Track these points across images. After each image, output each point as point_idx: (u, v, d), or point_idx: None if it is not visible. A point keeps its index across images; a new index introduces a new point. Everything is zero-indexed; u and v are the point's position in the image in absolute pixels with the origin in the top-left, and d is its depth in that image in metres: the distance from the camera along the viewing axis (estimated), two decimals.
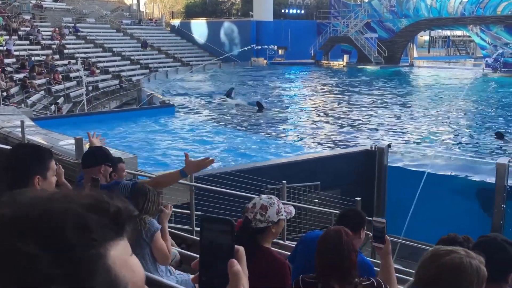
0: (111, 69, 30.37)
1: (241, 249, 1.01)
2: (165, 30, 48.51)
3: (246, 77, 35.43)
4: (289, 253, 5.96)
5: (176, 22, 50.16)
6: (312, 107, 23.29)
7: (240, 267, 0.97)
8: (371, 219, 2.87)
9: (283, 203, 2.97)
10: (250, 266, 2.71)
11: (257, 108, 21.60)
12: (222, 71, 39.55)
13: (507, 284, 2.21)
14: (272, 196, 2.91)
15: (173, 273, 3.72)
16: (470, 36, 39.98)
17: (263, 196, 2.89)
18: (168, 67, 37.12)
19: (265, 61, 43.35)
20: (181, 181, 8.04)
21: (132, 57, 34.97)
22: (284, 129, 18.52)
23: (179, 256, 4.39)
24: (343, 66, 41.20)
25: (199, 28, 47.06)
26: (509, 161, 8.62)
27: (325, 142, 16.44)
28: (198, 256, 1.01)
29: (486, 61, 34.93)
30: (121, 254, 0.69)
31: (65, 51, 29.54)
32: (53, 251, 0.62)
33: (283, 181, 8.58)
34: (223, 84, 31.79)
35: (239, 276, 0.97)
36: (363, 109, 22.36)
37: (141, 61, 35.25)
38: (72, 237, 0.64)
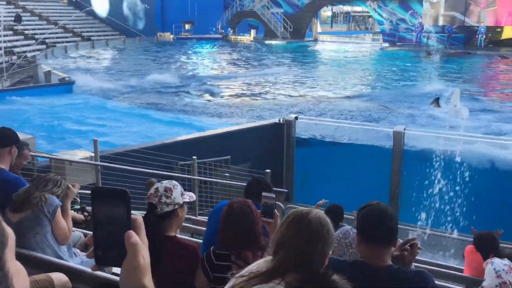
0: (2, 45, 27.90)
1: (139, 218, 0.96)
2: (62, 2, 45.41)
3: (153, 53, 34.42)
4: (201, 228, 5.96)
5: None
6: (220, 82, 23.23)
7: (138, 238, 0.93)
8: (263, 194, 2.93)
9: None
10: (161, 259, 2.67)
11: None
12: (126, 46, 38.05)
13: (394, 248, 2.34)
14: (172, 180, 2.90)
15: (78, 255, 3.59)
16: (369, 12, 41.91)
17: (163, 181, 2.85)
18: (67, 42, 34.96)
19: (171, 36, 42.28)
20: (85, 160, 7.69)
21: (26, 32, 32.39)
22: (193, 104, 18.31)
23: (84, 239, 4.21)
24: (251, 41, 41.39)
25: (100, 0, 44.61)
26: (404, 129, 9.24)
27: (234, 116, 16.53)
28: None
29: (383, 35, 36.94)
30: None
31: None
32: None
33: (194, 157, 8.53)
34: (127, 60, 30.68)
35: (137, 247, 0.93)
36: (271, 83, 22.73)
37: (36, 36, 32.78)
38: None
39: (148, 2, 43.67)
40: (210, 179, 8.82)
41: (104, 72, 25.40)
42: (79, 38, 37.41)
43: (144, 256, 0.95)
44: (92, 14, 43.75)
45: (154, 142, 9.98)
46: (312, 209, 1.86)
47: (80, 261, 3.39)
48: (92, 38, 37.97)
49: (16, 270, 0.74)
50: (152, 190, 2.74)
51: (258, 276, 1.71)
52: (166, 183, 2.78)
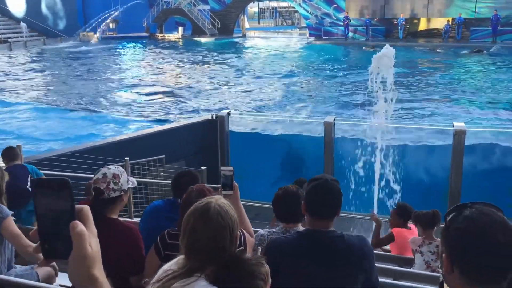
0: None
1: (85, 207, 0.94)
2: None
3: (75, 54, 33.09)
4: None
5: None
6: (151, 80, 22.79)
7: (84, 227, 0.91)
8: (221, 168, 3.07)
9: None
10: (103, 240, 2.63)
11: None
12: (46, 48, 36.31)
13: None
14: (119, 166, 3.04)
15: (12, 267, 3.41)
16: (294, 7, 42.71)
17: (111, 166, 2.96)
18: None
19: (95, 35, 40.83)
20: None
21: None
22: (123, 104, 17.83)
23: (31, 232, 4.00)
24: (179, 38, 40.90)
25: (16, 0, 42.20)
26: (334, 119, 9.53)
27: (166, 114, 16.30)
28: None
29: (309, 30, 37.79)
30: None
31: None
32: None
33: (126, 158, 8.33)
34: (50, 61, 29.34)
35: (83, 237, 0.91)
36: (203, 79, 22.60)
37: None
38: None
39: (69, 0, 41.91)
40: (145, 180, 8.65)
41: (27, 74, 24.12)
42: None
43: (92, 245, 0.93)
44: (7, 14, 41.35)
45: (83, 144, 9.62)
46: (209, 202, 1.89)
47: (15, 274, 3.23)
48: (9, 40, 35.92)
49: None
50: (99, 175, 2.84)
51: (175, 277, 1.73)
52: (113, 169, 2.90)
